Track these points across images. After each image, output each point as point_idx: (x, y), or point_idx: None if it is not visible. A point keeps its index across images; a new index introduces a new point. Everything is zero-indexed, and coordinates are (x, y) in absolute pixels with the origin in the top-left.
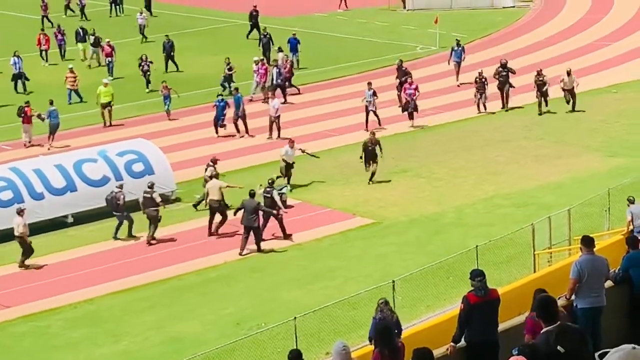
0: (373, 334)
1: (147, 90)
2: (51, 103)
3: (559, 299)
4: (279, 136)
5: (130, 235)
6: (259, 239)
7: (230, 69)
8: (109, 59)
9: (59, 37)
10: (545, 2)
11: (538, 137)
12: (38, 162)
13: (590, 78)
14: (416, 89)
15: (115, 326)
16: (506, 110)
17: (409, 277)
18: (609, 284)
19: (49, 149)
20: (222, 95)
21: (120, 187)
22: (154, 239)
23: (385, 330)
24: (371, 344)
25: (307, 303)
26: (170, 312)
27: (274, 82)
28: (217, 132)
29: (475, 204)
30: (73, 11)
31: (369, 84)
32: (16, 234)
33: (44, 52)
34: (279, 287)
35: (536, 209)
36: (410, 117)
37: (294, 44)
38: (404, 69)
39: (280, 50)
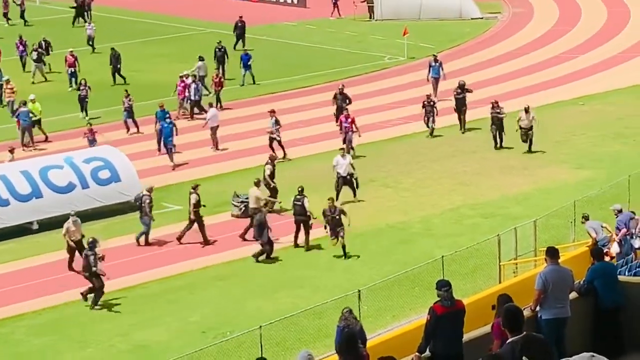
0: (337, 343)
1: (82, 116)
2: (24, 104)
3: (524, 309)
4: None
5: (137, 239)
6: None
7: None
8: (72, 69)
9: (20, 48)
10: (513, 14)
11: (505, 149)
12: (3, 168)
13: (557, 90)
14: (352, 122)
15: (80, 333)
16: (463, 132)
17: (374, 287)
18: (573, 295)
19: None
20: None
21: (150, 190)
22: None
23: (350, 339)
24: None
25: (273, 312)
26: (136, 319)
27: (192, 98)
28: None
29: (442, 214)
30: (9, 19)
31: (272, 112)
32: None
33: None
34: (245, 295)
35: (502, 220)
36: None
37: (245, 60)
38: (344, 93)
39: (201, 59)
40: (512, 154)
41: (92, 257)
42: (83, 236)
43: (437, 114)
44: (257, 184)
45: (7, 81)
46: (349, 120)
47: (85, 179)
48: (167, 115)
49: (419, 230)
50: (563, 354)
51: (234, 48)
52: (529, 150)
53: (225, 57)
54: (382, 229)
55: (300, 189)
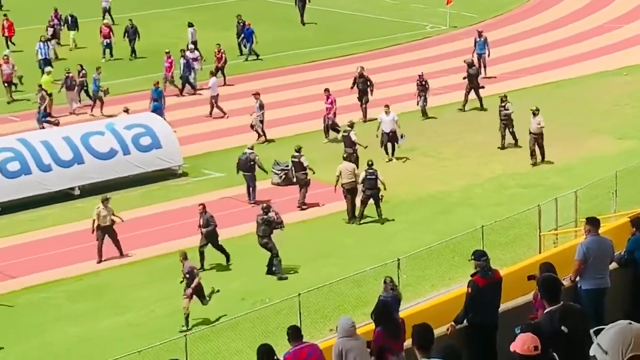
0: (374, 311)
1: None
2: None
3: (563, 279)
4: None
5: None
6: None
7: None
8: (107, 40)
9: (55, 20)
10: None
11: (547, 119)
12: (46, 134)
13: (601, 60)
14: (332, 103)
15: (120, 299)
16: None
17: (414, 256)
18: (613, 265)
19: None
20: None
21: (252, 148)
22: (304, 204)
23: (386, 307)
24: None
25: (312, 280)
26: (175, 285)
27: (183, 74)
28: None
29: (483, 184)
30: None
31: (256, 94)
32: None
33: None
34: (285, 263)
35: (543, 190)
36: (326, 132)
37: (247, 33)
38: (364, 76)
39: (190, 25)
40: (554, 124)
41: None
42: (113, 222)
43: (429, 94)
44: (346, 159)
45: (6, 58)
46: (329, 100)
47: (126, 145)
48: (162, 95)
49: (458, 200)
50: (602, 324)
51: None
52: (542, 160)
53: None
54: (422, 198)
55: (370, 162)
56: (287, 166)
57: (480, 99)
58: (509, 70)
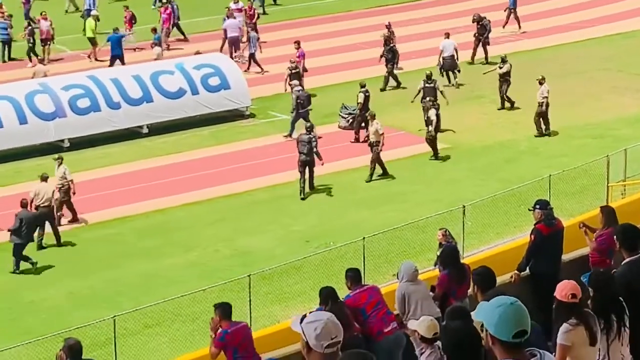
0: (440, 256)
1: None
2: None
3: None
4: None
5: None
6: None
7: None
8: None
9: None
10: None
11: (617, 69)
12: (116, 72)
13: None
14: (301, 57)
15: (186, 237)
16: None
17: (479, 203)
18: None
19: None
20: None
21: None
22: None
23: (452, 252)
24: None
25: (375, 224)
26: (241, 226)
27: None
28: None
29: (551, 133)
30: None
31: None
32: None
33: None
34: (349, 207)
35: (612, 141)
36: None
37: None
38: (392, 45)
39: None
40: (622, 74)
41: None
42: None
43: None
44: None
45: (44, 14)
46: (298, 54)
47: (195, 85)
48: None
49: (525, 149)
50: None
51: None
52: (545, 133)
53: None
54: (489, 146)
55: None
56: (355, 109)
57: (476, 51)
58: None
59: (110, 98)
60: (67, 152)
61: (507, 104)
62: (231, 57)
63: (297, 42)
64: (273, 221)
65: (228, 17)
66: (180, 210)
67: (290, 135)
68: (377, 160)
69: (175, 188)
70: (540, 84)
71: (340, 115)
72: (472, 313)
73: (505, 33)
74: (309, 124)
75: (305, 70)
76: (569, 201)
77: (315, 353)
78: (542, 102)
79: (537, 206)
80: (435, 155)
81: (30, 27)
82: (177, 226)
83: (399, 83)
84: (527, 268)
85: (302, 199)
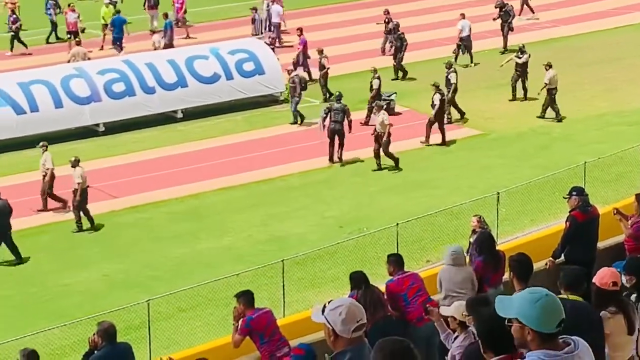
0: (475, 242)
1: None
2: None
3: None
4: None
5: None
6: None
7: None
8: None
9: None
10: None
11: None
12: (151, 56)
13: None
14: (305, 45)
15: (219, 222)
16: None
17: (513, 190)
18: None
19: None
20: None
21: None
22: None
23: (488, 238)
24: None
25: (409, 210)
26: (274, 211)
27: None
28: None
29: (586, 120)
30: None
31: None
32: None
33: None
34: (382, 193)
35: None
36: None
37: None
38: (399, 33)
39: None
40: None
41: None
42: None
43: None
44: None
45: (72, 5)
46: (300, 41)
47: (229, 70)
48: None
49: (560, 136)
50: None
51: None
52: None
53: None
54: (522, 133)
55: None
56: (389, 96)
57: (505, 40)
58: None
59: (145, 83)
60: (102, 137)
61: (523, 95)
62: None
63: (300, 30)
64: (306, 206)
65: (273, 2)
66: (214, 195)
67: (302, 121)
68: (386, 151)
69: (209, 173)
70: (546, 69)
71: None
72: (499, 310)
73: (534, 21)
74: (338, 93)
75: (307, 57)
76: (604, 188)
77: (342, 339)
78: (546, 87)
79: (574, 193)
80: (426, 139)
81: (14, 16)
82: (211, 211)
83: (405, 73)
84: (562, 255)
85: (333, 162)
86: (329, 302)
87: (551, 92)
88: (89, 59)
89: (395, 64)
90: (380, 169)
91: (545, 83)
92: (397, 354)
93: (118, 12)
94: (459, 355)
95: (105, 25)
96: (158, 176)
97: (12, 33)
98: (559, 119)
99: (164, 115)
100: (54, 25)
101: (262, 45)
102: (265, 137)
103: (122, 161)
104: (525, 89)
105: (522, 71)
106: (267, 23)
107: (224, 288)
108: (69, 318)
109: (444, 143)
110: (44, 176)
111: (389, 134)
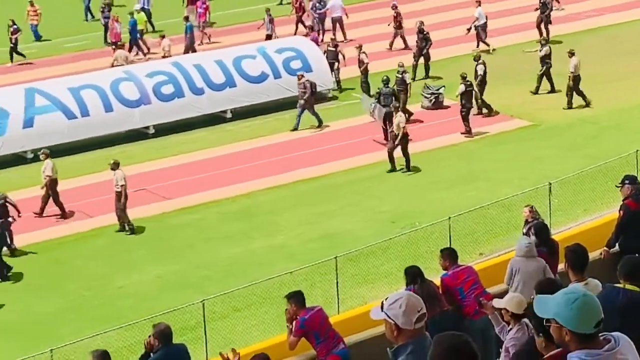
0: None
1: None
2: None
3: None
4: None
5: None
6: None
7: None
8: None
9: None
10: None
11: None
12: (199, 58)
13: None
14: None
15: (270, 221)
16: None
17: (565, 180)
18: None
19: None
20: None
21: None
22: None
23: (543, 228)
24: None
25: (460, 204)
26: (325, 209)
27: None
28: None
29: (635, 108)
30: None
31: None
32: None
33: None
34: (433, 187)
35: None
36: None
37: None
38: (425, 33)
39: None
40: None
41: None
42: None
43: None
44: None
45: (31, 3)
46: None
47: (277, 69)
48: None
49: (609, 125)
50: None
51: None
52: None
53: None
54: (571, 123)
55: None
56: (438, 89)
57: (541, 31)
58: None
59: (194, 84)
60: (152, 139)
61: (548, 87)
62: (333, 36)
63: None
64: (357, 203)
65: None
66: (264, 194)
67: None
68: (404, 150)
69: (259, 172)
70: (570, 57)
71: (422, 95)
72: (537, 310)
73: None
74: (385, 77)
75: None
76: None
77: (405, 332)
78: (570, 76)
79: (626, 182)
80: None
81: (15, 26)
82: (261, 210)
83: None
84: (617, 244)
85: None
86: (385, 299)
87: (576, 80)
88: (131, 61)
89: (414, 63)
90: (394, 169)
91: (571, 71)
92: (456, 348)
93: (131, 13)
94: (512, 348)
95: (142, 31)
96: (208, 177)
97: (11, 45)
98: (587, 102)
99: (213, 115)
100: (106, 29)
101: (308, 43)
102: (314, 134)
103: (173, 163)
104: (549, 81)
105: (543, 63)
106: (320, 25)
107: (278, 286)
108: (124, 320)
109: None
110: (46, 185)
111: (405, 134)
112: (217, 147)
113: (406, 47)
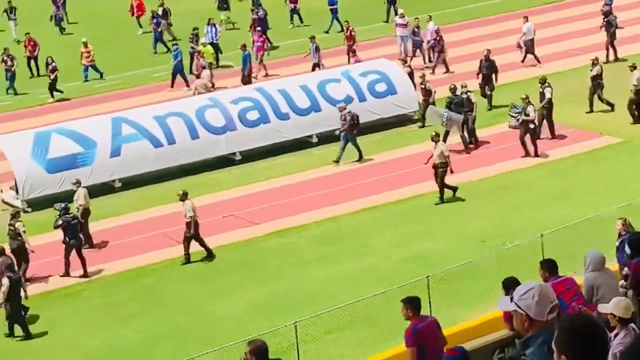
0: (628, 245)
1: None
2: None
3: None
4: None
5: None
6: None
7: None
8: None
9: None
10: None
11: None
12: (283, 83)
13: None
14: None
15: (359, 244)
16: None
17: None
18: None
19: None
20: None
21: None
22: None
23: (637, 241)
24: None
25: (551, 221)
26: (413, 229)
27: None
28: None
29: None
30: None
31: (312, 38)
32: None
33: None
34: (522, 206)
35: None
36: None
37: (331, 3)
38: (490, 60)
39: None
40: None
41: None
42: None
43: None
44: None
45: (85, 44)
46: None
47: (362, 92)
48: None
49: None
50: None
51: None
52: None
53: None
54: None
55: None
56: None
57: (609, 50)
58: None
59: (279, 109)
60: (239, 165)
61: (603, 106)
62: (429, 60)
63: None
64: (445, 224)
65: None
66: (352, 217)
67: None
68: (441, 182)
69: (346, 195)
70: (632, 70)
71: (510, 114)
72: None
73: None
74: (453, 85)
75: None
76: None
77: (537, 323)
78: (632, 89)
79: None
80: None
81: (53, 64)
82: (350, 232)
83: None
84: None
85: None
86: (512, 291)
87: (638, 93)
88: (212, 85)
89: (482, 93)
90: (442, 201)
91: (634, 85)
92: (583, 330)
93: (175, 45)
94: (620, 353)
95: (211, 64)
96: (297, 201)
97: (50, 82)
98: (612, 107)
99: (300, 140)
100: (192, 57)
101: (392, 66)
102: (400, 156)
103: (261, 188)
104: (604, 101)
105: (595, 83)
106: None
107: (368, 308)
108: (218, 344)
109: (527, 154)
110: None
111: (445, 164)
112: (304, 171)
113: (447, 70)
